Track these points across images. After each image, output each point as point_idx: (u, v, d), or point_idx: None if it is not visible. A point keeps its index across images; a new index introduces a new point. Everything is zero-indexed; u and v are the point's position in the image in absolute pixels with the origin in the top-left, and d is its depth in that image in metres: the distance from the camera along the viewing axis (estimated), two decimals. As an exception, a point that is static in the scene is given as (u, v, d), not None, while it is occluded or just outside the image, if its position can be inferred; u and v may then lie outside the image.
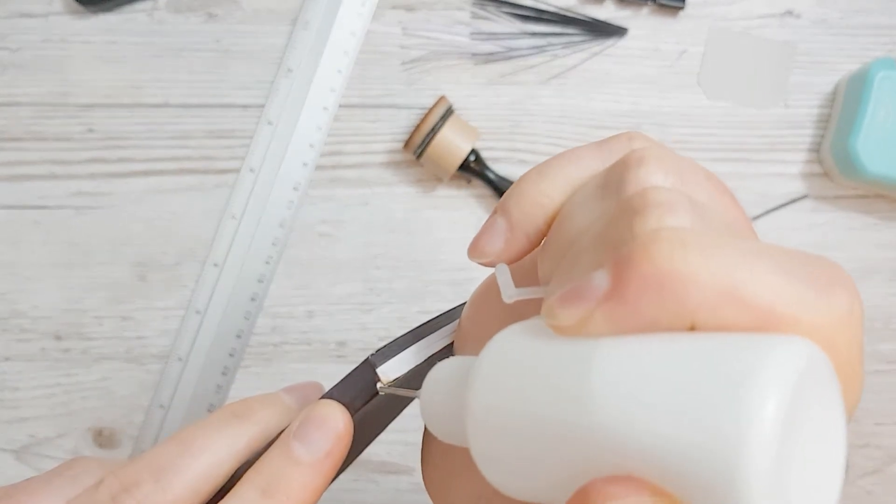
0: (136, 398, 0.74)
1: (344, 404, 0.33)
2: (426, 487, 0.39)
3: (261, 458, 0.32)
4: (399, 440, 0.74)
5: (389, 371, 0.34)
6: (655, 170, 0.27)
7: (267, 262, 0.74)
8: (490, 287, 0.36)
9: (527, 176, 0.31)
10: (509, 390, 0.26)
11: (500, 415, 0.26)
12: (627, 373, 0.23)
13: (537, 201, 0.30)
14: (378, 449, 0.75)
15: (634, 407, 0.22)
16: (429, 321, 0.37)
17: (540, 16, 0.75)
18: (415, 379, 0.35)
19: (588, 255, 0.27)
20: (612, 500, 0.22)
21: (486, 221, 0.32)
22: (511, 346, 0.27)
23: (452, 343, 0.37)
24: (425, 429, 0.39)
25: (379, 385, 0.33)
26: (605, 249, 0.26)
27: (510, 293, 0.30)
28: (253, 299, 0.74)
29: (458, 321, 0.38)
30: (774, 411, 0.20)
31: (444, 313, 0.38)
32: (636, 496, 0.22)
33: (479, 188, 0.75)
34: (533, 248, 0.32)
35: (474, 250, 0.32)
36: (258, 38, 0.75)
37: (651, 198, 0.25)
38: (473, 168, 0.73)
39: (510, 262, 0.32)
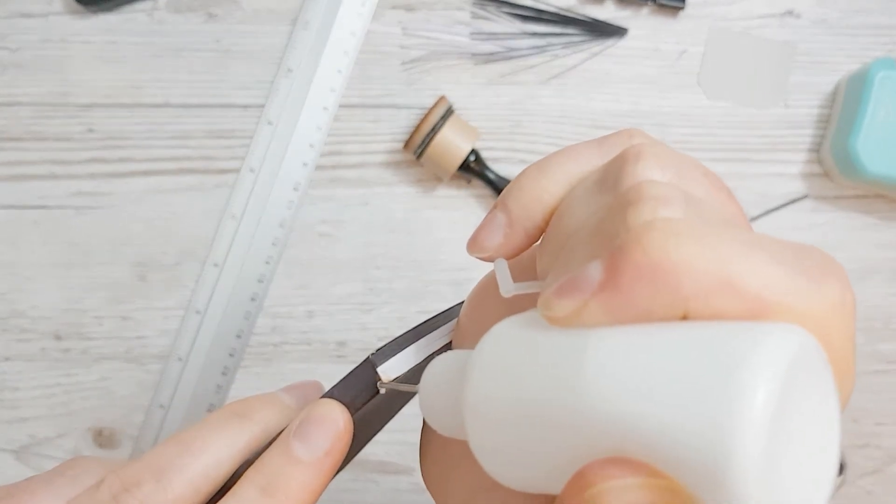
0: (136, 398, 0.75)
1: (344, 403, 0.33)
2: (425, 482, 0.39)
3: (261, 458, 0.32)
4: (398, 440, 0.74)
5: (390, 370, 0.34)
6: (652, 165, 0.27)
7: (267, 262, 0.74)
8: (488, 284, 0.37)
9: (526, 172, 0.32)
10: (506, 381, 0.26)
11: (497, 405, 0.26)
12: (621, 360, 0.23)
13: (536, 197, 0.31)
14: (377, 449, 0.75)
15: (628, 394, 0.22)
16: (428, 320, 0.37)
17: (540, 16, 0.75)
18: (415, 377, 0.35)
19: (584, 248, 0.27)
20: (609, 481, 0.22)
21: (486, 216, 0.32)
22: (507, 337, 0.27)
23: (451, 341, 0.37)
24: (423, 424, 0.39)
25: (380, 383, 0.33)
26: (599, 242, 0.26)
27: (508, 287, 0.30)
28: (253, 299, 0.74)
29: (457, 319, 0.38)
30: (765, 398, 0.20)
31: (443, 312, 0.38)
32: (633, 477, 0.22)
33: (479, 188, 0.75)
34: (532, 244, 0.32)
35: (473, 245, 0.32)
36: (258, 38, 0.75)
37: (645, 191, 0.26)
38: (473, 168, 0.73)
39: (509, 258, 0.32)
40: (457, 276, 0.75)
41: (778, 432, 0.21)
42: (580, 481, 0.23)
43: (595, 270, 0.24)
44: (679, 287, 0.23)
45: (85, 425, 0.74)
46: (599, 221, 0.27)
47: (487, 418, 0.27)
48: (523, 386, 0.25)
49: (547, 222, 0.31)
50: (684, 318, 0.23)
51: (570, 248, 0.28)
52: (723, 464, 0.20)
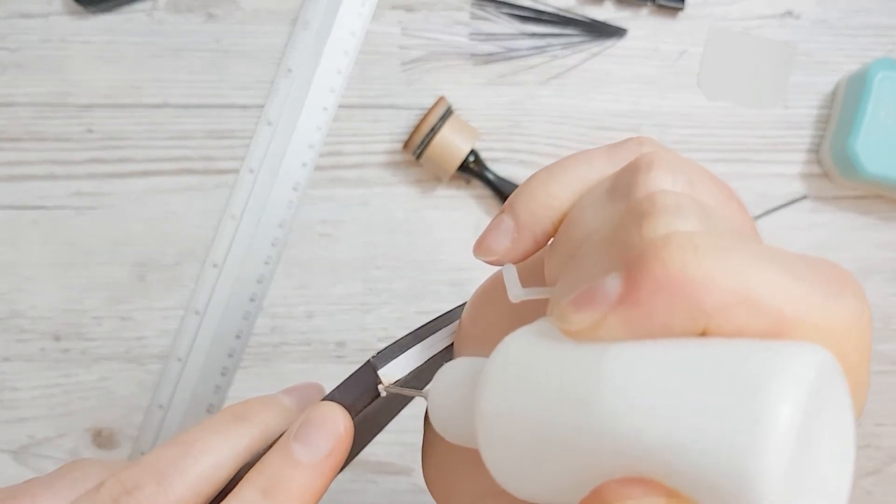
0: (136, 398, 0.74)
1: (345, 406, 0.33)
2: (427, 485, 0.38)
3: (261, 460, 0.32)
4: (397, 441, 0.74)
5: (391, 373, 0.33)
6: (664, 174, 0.27)
7: (266, 263, 0.74)
8: (492, 287, 0.36)
9: (536, 176, 0.31)
10: (520, 396, 0.26)
11: (510, 420, 0.26)
12: (639, 377, 0.23)
13: (546, 202, 0.31)
14: (377, 449, 0.75)
15: (646, 412, 0.22)
16: (429, 322, 0.37)
17: (539, 16, 0.75)
18: (415, 380, 0.35)
19: (595, 257, 0.27)
20: (627, 501, 0.22)
21: (493, 220, 0.32)
22: (521, 350, 0.27)
23: (453, 343, 0.37)
24: (426, 427, 0.39)
25: (381, 386, 0.33)
26: (613, 252, 0.26)
27: (517, 293, 0.30)
28: (252, 300, 0.74)
29: (458, 321, 0.38)
30: (788, 420, 0.20)
31: (444, 314, 0.38)
32: (651, 497, 0.22)
33: (479, 188, 0.75)
34: (539, 249, 0.32)
35: (480, 248, 0.32)
36: (258, 38, 0.75)
37: (659, 201, 0.26)
38: (473, 168, 0.73)
39: (516, 262, 0.32)
40: (457, 276, 0.75)
41: (799, 452, 0.21)
42: (596, 500, 0.23)
43: (613, 283, 0.24)
44: (698, 303, 0.23)
45: (84, 425, 0.74)
46: (613, 231, 0.27)
47: (501, 432, 0.26)
48: (538, 402, 0.25)
49: (556, 228, 0.31)
50: (703, 333, 0.23)
51: (582, 255, 0.28)
52: (744, 487, 0.20)
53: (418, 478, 0.75)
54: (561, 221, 0.31)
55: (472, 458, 0.30)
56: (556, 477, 0.25)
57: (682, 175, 0.28)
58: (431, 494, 0.38)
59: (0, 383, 0.74)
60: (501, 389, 0.27)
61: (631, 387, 0.23)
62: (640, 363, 0.23)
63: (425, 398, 0.33)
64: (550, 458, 0.25)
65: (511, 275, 0.31)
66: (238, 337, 0.74)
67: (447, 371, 0.32)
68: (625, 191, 0.28)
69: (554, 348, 0.26)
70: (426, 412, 0.39)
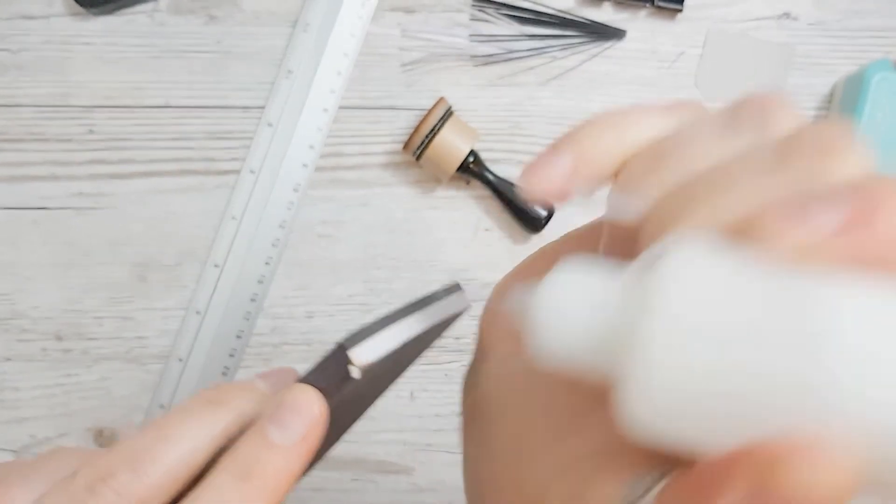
0: (136, 398, 0.75)
1: (319, 389, 0.33)
2: (477, 483, 0.35)
3: (236, 443, 0.32)
4: (397, 440, 0.74)
5: (363, 354, 0.33)
6: (788, 113, 0.26)
7: (267, 263, 0.74)
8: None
9: (607, 117, 0.29)
10: (701, 331, 0.21)
11: (680, 363, 0.22)
12: (873, 326, 0.20)
13: (617, 144, 0.28)
14: (377, 449, 0.75)
15: (878, 370, 0.20)
16: (407, 304, 0.36)
17: (538, 18, 0.75)
18: (392, 363, 0.34)
19: (749, 186, 0.24)
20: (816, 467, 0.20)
21: (549, 150, 0.29)
22: (697, 274, 0.22)
23: (429, 328, 0.36)
24: (467, 421, 0.37)
25: (352, 367, 0.33)
26: (785, 181, 0.24)
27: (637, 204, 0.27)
28: (253, 300, 0.74)
29: (441, 302, 0.37)
30: None
31: (422, 297, 0.37)
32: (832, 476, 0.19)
33: (479, 189, 0.75)
34: (583, 193, 0.29)
35: (529, 178, 0.29)
36: (258, 39, 0.75)
37: (833, 138, 0.25)
38: (472, 169, 0.73)
39: (557, 202, 0.29)
40: (456, 276, 0.75)
41: None
42: (780, 455, 0.20)
43: (842, 202, 0.22)
44: None
45: (85, 425, 0.75)
46: (775, 162, 0.25)
47: (665, 374, 0.22)
48: (728, 341, 0.21)
49: (612, 177, 0.29)
50: None
51: (721, 186, 0.25)
52: None
53: (418, 477, 0.75)
54: (617, 172, 0.28)
55: (557, 416, 0.28)
56: (714, 423, 0.21)
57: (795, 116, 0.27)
58: (482, 492, 0.35)
59: (1, 383, 0.75)
60: (673, 325, 0.22)
61: (860, 337, 0.20)
62: (874, 308, 0.20)
63: (523, 309, 0.26)
64: (723, 404, 0.21)
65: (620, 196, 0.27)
66: (239, 337, 0.74)
67: (570, 280, 0.26)
68: (756, 125, 0.26)
69: (743, 275, 0.22)
70: (464, 389, 0.37)
